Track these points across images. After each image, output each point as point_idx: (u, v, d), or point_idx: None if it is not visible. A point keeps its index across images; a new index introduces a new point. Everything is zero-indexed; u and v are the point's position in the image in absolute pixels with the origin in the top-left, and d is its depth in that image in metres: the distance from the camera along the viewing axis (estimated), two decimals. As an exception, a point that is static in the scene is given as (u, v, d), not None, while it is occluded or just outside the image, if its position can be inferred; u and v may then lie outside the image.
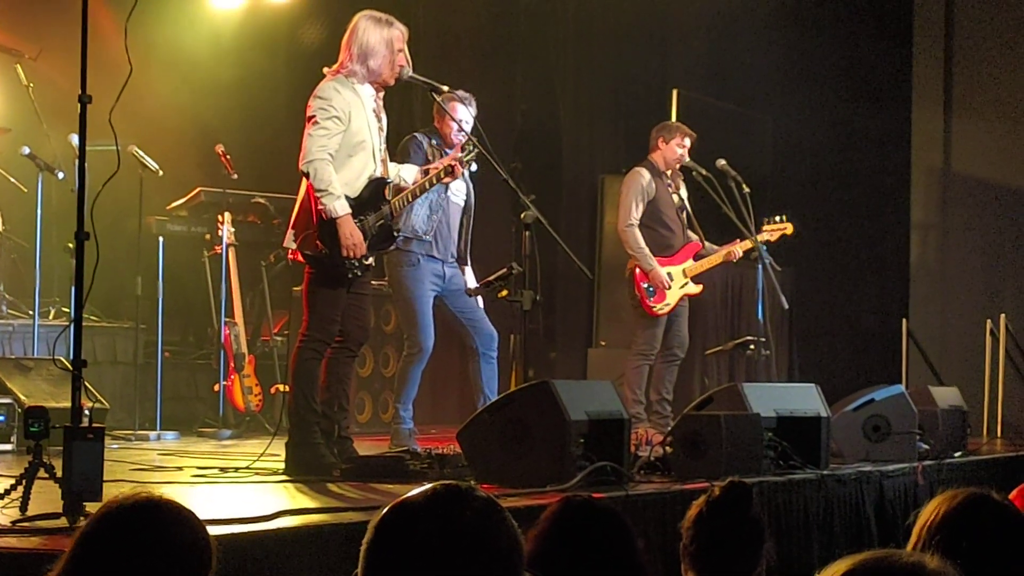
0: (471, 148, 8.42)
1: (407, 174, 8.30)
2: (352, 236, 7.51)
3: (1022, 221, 14.93)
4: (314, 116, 7.54)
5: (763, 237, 10.78)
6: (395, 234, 7.94)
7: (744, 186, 10.66)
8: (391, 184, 7.94)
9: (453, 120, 9.30)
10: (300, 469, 7.40)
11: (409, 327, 9.61)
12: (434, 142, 9.61)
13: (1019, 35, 15.05)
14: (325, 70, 7.75)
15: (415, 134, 9.66)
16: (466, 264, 9.81)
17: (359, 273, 7.65)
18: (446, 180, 8.42)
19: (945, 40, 15.36)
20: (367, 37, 7.69)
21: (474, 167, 9.49)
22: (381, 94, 7.84)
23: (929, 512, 3.30)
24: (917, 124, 15.44)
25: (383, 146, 7.85)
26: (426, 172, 8.37)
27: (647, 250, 10.62)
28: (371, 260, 7.73)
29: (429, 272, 9.52)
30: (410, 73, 8.13)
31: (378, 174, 7.73)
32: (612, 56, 14.87)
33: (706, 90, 14.46)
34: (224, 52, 12.82)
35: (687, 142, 10.81)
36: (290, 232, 7.67)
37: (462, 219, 9.81)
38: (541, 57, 14.90)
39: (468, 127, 9.38)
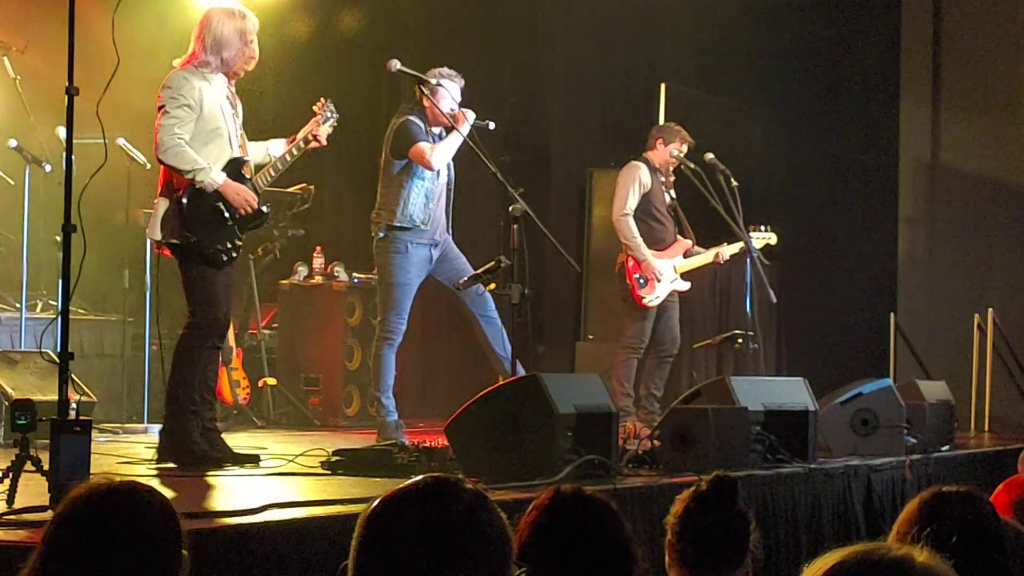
0: (328, 114, 8.39)
1: (275, 150, 8.23)
2: (240, 194, 7.62)
3: (1010, 215, 14.94)
4: (164, 106, 7.56)
5: (744, 229, 10.79)
6: (264, 210, 7.87)
7: (732, 179, 10.68)
8: (249, 162, 7.90)
9: (440, 111, 9.30)
10: (171, 457, 7.42)
11: (385, 311, 9.64)
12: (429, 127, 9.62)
13: (1007, 29, 15.05)
14: (175, 62, 7.75)
15: (409, 117, 9.62)
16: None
17: (234, 255, 7.68)
18: (311, 147, 8.30)
19: (933, 33, 15.36)
20: (221, 29, 7.72)
21: (491, 125, 9.53)
22: (233, 83, 7.87)
23: (908, 511, 3.30)
24: (905, 118, 15.44)
25: (240, 131, 7.89)
26: (291, 142, 8.28)
27: (640, 239, 10.65)
28: (241, 242, 7.74)
29: (417, 259, 9.54)
30: (399, 67, 8.13)
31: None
32: (600, 50, 14.86)
33: (694, 84, 14.46)
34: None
35: (684, 148, 10.87)
36: (154, 224, 7.63)
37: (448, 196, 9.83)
38: (529, 51, 14.90)
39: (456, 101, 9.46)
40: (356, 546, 2.47)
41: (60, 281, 5.70)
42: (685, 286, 10.84)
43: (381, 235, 9.30)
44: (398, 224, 9.47)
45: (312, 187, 12.41)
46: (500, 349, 9.45)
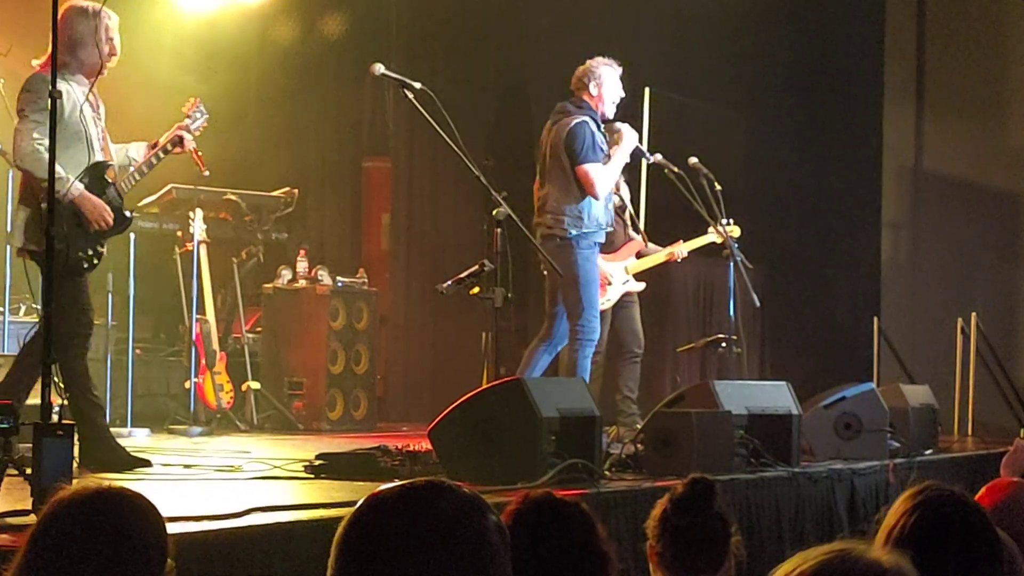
0: (199, 115, 8.25)
1: (135, 153, 8.01)
2: (96, 208, 7.47)
3: (993, 220, 14.99)
4: (23, 109, 7.38)
5: (708, 238, 10.81)
6: (127, 215, 7.77)
7: (716, 184, 10.68)
8: (112, 167, 7.73)
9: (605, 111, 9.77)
10: (95, 465, 7.32)
11: (582, 310, 9.63)
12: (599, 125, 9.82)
13: (990, 35, 15.10)
14: (34, 63, 7.51)
15: (585, 120, 9.80)
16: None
17: (96, 262, 7.55)
18: (175, 152, 8.10)
19: (917, 39, 15.41)
20: (75, 28, 7.52)
21: (651, 158, 10.02)
22: (94, 82, 7.63)
23: (896, 511, 3.30)
24: (889, 123, 15.49)
25: (102, 134, 7.70)
26: (154, 146, 8.07)
27: None
28: (103, 249, 7.58)
29: (596, 260, 9.73)
30: (383, 70, 8.11)
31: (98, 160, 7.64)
32: (584, 53, 14.83)
33: (678, 88, 14.46)
34: (196, 50, 12.79)
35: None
36: (16, 231, 7.45)
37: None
38: (513, 55, 14.90)
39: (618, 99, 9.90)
40: (340, 547, 2.46)
41: (43, 284, 5.69)
42: (639, 286, 10.81)
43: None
44: (585, 227, 9.54)
45: (296, 190, 12.41)
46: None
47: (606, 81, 9.88)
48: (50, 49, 7.38)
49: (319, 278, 12.02)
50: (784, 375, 10.10)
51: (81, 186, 7.45)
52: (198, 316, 11.24)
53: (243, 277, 12.04)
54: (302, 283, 12.05)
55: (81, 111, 7.53)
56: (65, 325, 7.32)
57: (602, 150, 9.71)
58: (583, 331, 9.56)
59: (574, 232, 9.56)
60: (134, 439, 9.98)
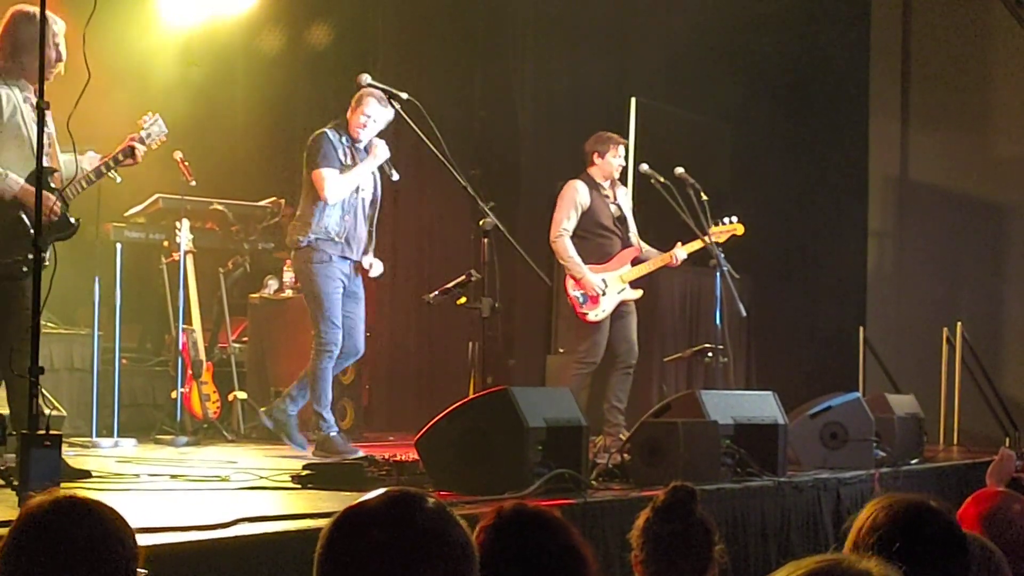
0: (156, 129, 8.18)
1: (87, 164, 7.93)
2: (42, 202, 7.38)
3: (978, 229, 15.02)
4: None
5: (712, 240, 10.79)
6: (72, 221, 7.68)
7: (702, 194, 10.70)
8: (58, 173, 7.66)
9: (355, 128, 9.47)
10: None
11: (318, 322, 9.61)
12: (344, 139, 9.65)
13: (975, 44, 15.14)
14: None
15: (325, 131, 9.67)
16: (367, 254, 9.84)
17: (33, 267, 7.46)
18: (126, 163, 8.02)
19: (902, 49, 15.44)
20: (20, 33, 7.53)
21: (395, 176, 9.60)
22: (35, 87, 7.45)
23: (863, 518, 3.32)
24: (874, 133, 15.52)
25: (49, 140, 7.52)
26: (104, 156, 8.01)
27: (577, 258, 10.65)
28: (46, 255, 7.24)
29: (338, 271, 9.57)
30: (369, 81, 8.13)
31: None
32: (571, 64, 14.89)
33: (665, 98, 14.49)
34: (181, 61, 12.78)
35: (621, 150, 10.91)
36: None
37: (369, 212, 9.86)
38: (500, 65, 14.91)
39: (377, 128, 9.59)
40: (320, 557, 2.48)
41: (30, 294, 5.69)
42: (636, 294, 10.81)
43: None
44: (313, 235, 9.52)
45: (282, 200, 12.40)
46: (297, 391, 9.82)
47: (361, 106, 9.72)
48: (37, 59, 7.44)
49: (305, 288, 12.00)
50: (770, 384, 10.11)
51: (21, 180, 7.38)
52: (184, 326, 11.23)
53: (229, 287, 12.03)
54: (288, 293, 12.04)
55: (22, 114, 7.50)
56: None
57: (340, 161, 9.64)
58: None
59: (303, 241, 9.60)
60: (120, 449, 9.97)
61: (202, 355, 11.38)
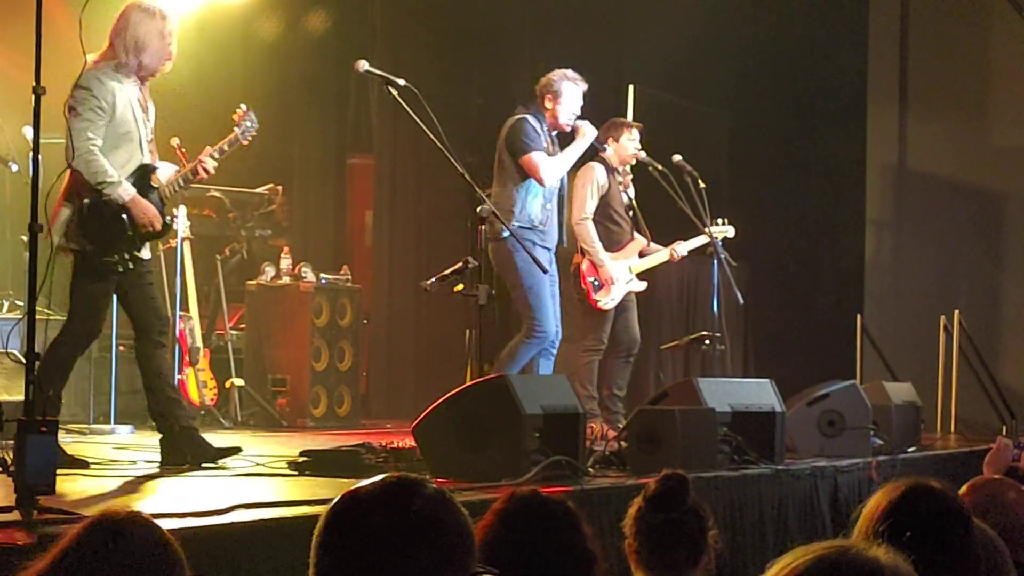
0: (248, 124, 8.23)
1: (162, 174, 7.82)
2: (146, 213, 7.45)
3: (976, 218, 15.02)
4: (76, 107, 7.33)
5: (704, 239, 10.78)
6: (167, 221, 7.73)
7: (700, 181, 10.67)
8: (157, 171, 7.70)
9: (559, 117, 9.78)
10: (180, 460, 7.36)
11: (529, 312, 9.61)
12: (544, 126, 9.79)
13: (973, 33, 15.13)
14: (89, 57, 7.27)
15: (525, 116, 9.80)
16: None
17: (130, 266, 7.47)
18: (199, 179, 7.96)
19: (900, 38, 15.43)
20: (140, 29, 7.52)
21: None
22: (147, 84, 7.67)
23: (873, 504, 3.32)
24: (872, 121, 15.51)
25: (151, 136, 7.69)
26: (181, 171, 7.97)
27: (599, 244, 10.55)
28: (139, 253, 7.53)
29: (541, 258, 9.52)
30: (366, 67, 8.11)
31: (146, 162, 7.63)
32: (568, 52, 14.83)
33: (663, 86, 14.47)
34: (179, 46, 12.75)
35: (635, 134, 10.84)
36: (58, 230, 7.40)
37: (558, 202, 9.98)
38: (497, 52, 14.89)
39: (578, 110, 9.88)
40: (318, 543, 2.48)
41: (27, 281, 5.67)
42: (641, 286, 10.76)
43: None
44: (518, 223, 9.49)
45: (279, 187, 12.39)
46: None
47: (564, 95, 9.84)
48: (109, 47, 7.46)
49: (303, 275, 12.00)
50: (767, 372, 10.12)
51: (133, 190, 7.44)
52: (182, 313, 11.22)
53: (227, 274, 12.03)
54: (286, 280, 12.03)
55: (133, 112, 7.52)
56: (71, 322, 7.47)
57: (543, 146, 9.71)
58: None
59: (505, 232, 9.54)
60: (117, 436, 9.97)
61: (199, 342, 11.37)
